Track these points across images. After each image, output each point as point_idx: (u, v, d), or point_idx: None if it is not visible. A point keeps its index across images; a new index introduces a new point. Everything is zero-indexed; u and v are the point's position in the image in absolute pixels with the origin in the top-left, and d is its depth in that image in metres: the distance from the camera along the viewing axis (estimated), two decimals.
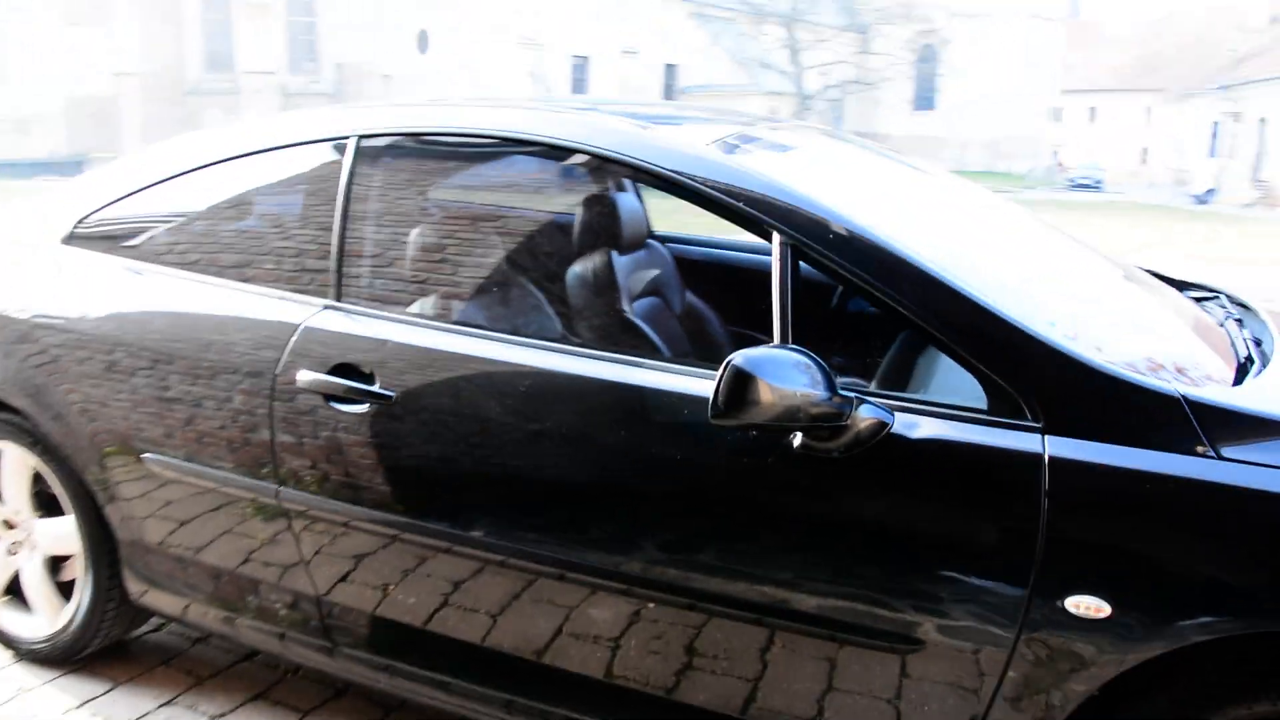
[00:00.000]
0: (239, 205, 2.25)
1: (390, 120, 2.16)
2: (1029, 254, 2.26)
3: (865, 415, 1.54)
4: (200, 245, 2.23)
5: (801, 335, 1.65)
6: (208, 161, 2.26)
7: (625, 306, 2.86)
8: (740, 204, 1.74)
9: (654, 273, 3.03)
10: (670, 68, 42.64)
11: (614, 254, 2.90)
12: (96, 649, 2.43)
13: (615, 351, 1.85)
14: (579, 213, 2.97)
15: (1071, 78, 55.13)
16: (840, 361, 2.66)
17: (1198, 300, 2.42)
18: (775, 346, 1.54)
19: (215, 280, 2.15)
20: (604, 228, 2.91)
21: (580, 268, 2.88)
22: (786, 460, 1.59)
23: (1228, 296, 2.48)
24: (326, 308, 2.01)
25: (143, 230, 2.31)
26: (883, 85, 40.42)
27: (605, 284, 2.84)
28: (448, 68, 33.48)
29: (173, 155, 2.35)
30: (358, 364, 1.91)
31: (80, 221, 2.37)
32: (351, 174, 2.08)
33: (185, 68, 32.62)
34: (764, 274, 3.30)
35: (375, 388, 1.88)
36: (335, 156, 2.12)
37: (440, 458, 1.85)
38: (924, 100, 51.10)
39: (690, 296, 3.16)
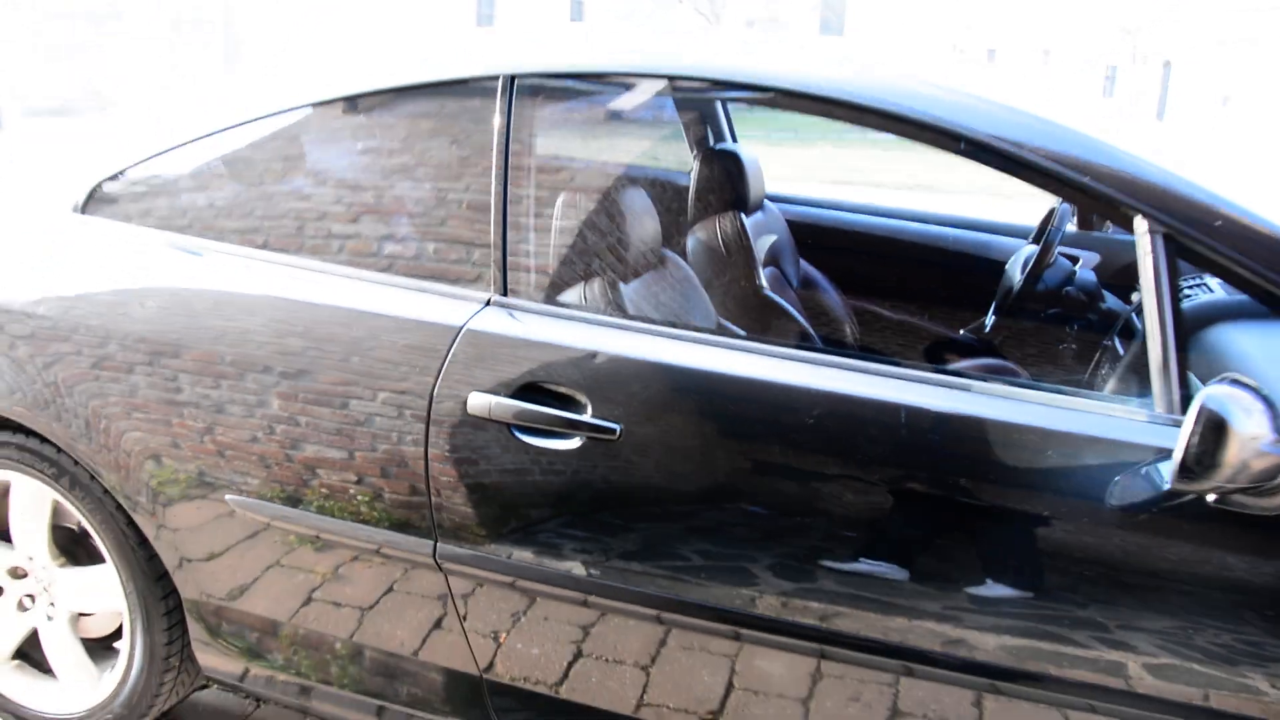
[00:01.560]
0: (335, 167, 1.70)
1: (559, 57, 1.64)
2: None
3: None
4: (281, 218, 1.68)
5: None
6: (287, 107, 1.71)
7: (762, 281, 2.42)
8: (1090, 180, 1.32)
9: (772, 239, 2.58)
10: None
11: (742, 216, 2.44)
12: None
13: (755, 339, 1.50)
14: (698, 168, 2.49)
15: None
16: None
17: None
18: (1231, 381, 1.13)
19: (315, 265, 1.63)
20: (731, 183, 2.45)
21: (704, 233, 2.41)
22: (1195, 517, 1.20)
23: None
24: (492, 304, 1.52)
25: (195, 196, 1.75)
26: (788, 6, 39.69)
27: (738, 254, 2.39)
28: None
29: (238, 98, 1.78)
30: (555, 383, 1.43)
31: (102, 183, 1.80)
32: (508, 126, 1.56)
33: None
34: (878, 237, 2.90)
35: (588, 416, 1.40)
36: (479, 103, 1.60)
37: (694, 512, 1.39)
38: (832, 25, 50.60)
39: (805, 266, 2.72)
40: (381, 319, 1.53)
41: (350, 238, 1.63)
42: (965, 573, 1.30)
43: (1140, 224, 1.29)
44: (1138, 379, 1.77)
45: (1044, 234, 2.45)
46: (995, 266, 2.76)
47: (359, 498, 1.54)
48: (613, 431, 1.38)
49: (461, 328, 1.49)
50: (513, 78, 1.58)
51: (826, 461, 1.33)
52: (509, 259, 1.53)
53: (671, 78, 1.63)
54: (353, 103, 1.69)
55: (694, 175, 2.44)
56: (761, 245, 2.53)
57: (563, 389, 1.42)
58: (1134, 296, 2.42)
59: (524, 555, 1.47)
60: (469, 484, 1.48)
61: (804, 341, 2.27)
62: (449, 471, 1.48)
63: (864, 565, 1.33)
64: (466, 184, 1.58)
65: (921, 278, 2.80)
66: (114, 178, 1.80)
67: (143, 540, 1.75)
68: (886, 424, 1.32)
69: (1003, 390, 1.33)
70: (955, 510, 1.30)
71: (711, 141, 2.68)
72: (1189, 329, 1.75)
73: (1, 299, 1.75)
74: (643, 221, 1.84)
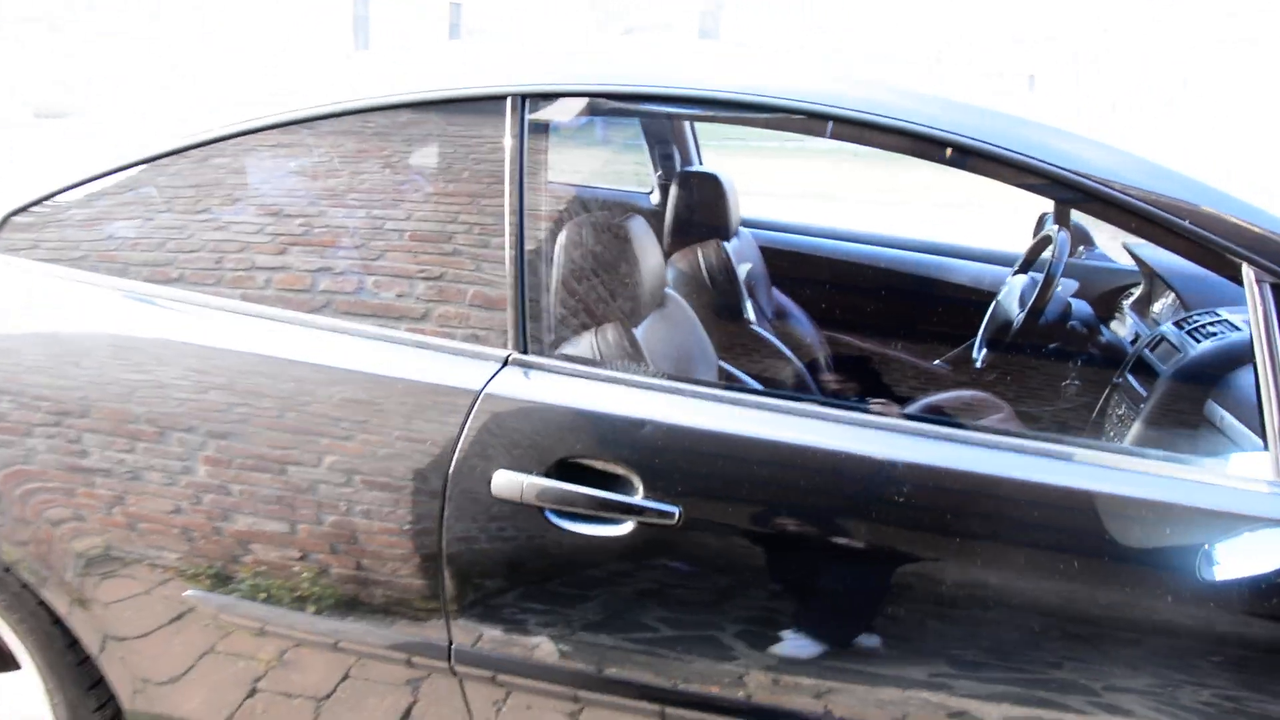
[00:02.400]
0: (307, 196, 1.46)
1: (573, 72, 1.44)
2: None
3: None
4: (242, 257, 1.43)
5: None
6: (243, 128, 1.46)
7: (750, 315, 2.26)
8: (1191, 224, 1.20)
9: (748, 266, 2.43)
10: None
11: (724, 244, 2.28)
12: None
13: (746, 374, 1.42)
14: (676, 192, 2.32)
15: None
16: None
17: None
18: None
19: (285, 315, 1.38)
20: (713, 208, 2.29)
21: (685, 264, 2.24)
22: None
23: None
24: (511, 362, 1.31)
25: (133, 233, 1.47)
26: None
27: (724, 285, 2.23)
28: None
29: (181, 115, 1.52)
30: (597, 458, 1.23)
31: (13, 215, 1.50)
32: (521, 152, 1.36)
33: None
34: (849, 264, 2.78)
35: (640, 498, 1.21)
36: (482, 125, 1.39)
37: (773, 610, 1.22)
38: (710, 30, 51.35)
39: (777, 294, 2.58)
40: (379, 382, 1.30)
41: (324, 281, 1.39)
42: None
43: (1248, 273, 1.18)
44: (1173, 426, 1.68)
45: (1032, 263, 2.37)
46: (970, 294, 2.69)
47: (354, 592, 1.31)
48: (671, 515, 1.20)
49: (480, 393, 1.27)
50: (524, 97, 1.37)
51: (938, 542, 1.18)
52: (527, 306, 1.32)
53: (739, 104, 1.36)
54: (303, 126, 1.44)
55: (672, 200, 2.27)
56: (739, 274, 2.38)
57: (607, 465, 1.23)
58: (1123, 327, 2.36)
59: (558, 658, 1.26)
60: (493, 576, 1.26)
61: (795, 379, 2.13)
62: (469, 562, 1.26)
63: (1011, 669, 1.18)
64: (474, 217, 1.37)
65: (895, 306, 2.70)
66: (23, 209, 1.50)
67: (71, 642, 1.47)
68: (1002, 501, 1.17)
69: (1104, 458, 1.21)
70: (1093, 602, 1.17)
71: (680, 162, 2.52)
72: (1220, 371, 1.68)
73: None
74: (649, 255, 1.66)
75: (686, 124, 2.55)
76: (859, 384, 2.47)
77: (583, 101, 1.39)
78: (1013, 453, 1.20)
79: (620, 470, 1.22)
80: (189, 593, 1.37)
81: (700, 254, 2.20)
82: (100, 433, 1.36)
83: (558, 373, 1.29)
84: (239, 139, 1.42)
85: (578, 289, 1.44)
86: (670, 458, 1.22)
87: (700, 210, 2.25)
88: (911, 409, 2.15)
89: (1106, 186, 1.22)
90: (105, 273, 1.43)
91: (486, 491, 1.24)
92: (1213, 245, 1.20)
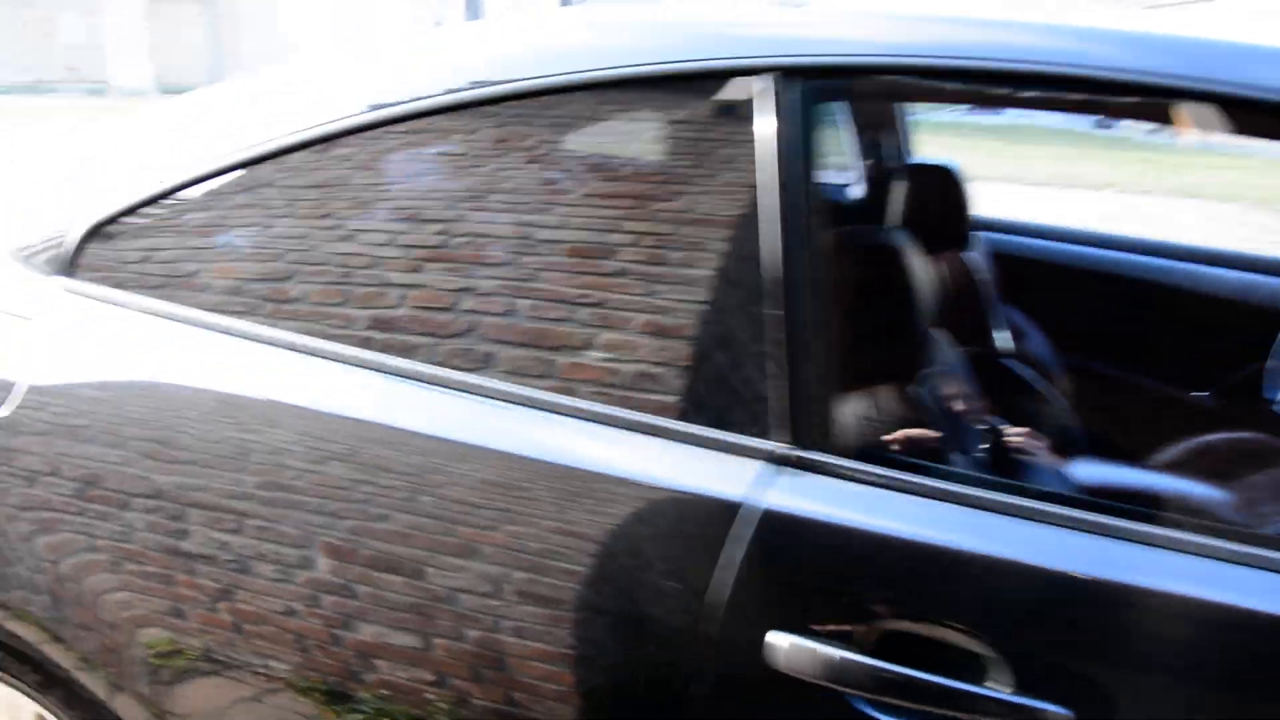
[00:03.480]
0: (456, 210, 1.06)
1: (857, 35, 1.00)
2: None
3: None
4: (368, 292, 1.05)
5: None
6: (392, 113, 1.07)
7: (999, 346, 1.80)
8: None
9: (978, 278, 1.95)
10: None
11: (964, 255, 1.82)
12: None
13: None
14: (902, 186, 1.86)
15: None
16: None
17: None
18: None
19: (445, 376, 1.00)
20: (951, 212, 1.83)
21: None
22: None
23: None
24: (783, 462, 0.89)
25: (237, 256, 1.11)
26: None
27: (968, 308, 1.77)
28: None
29: (306, 96, 1.15)
30: (927, 620, 0.81)
31: (96, 232, 1.15)
32: (784, 149, 0.93)
33: None
34: (1096, 273, 2.27)
35: (1008, 692, 0.78)
36: (721, 111, 0.97)
37: None
38: None
39: (1008, 311, 2.10)
40: (581, 477, 0.91)
41: (479, 320, 1.00)
42: None
43: None
44: None
45: None
46: (1240, 310, 2.17)
47: None
48: None
49: (739, 507, 0.86)
50: (786, 70, 0.95)
51: None
52: (801, 378, 0.90)
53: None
54: (467, 111, 1.05)
55: (899, 198, 1.81)
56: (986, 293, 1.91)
57: (949, 634, 0.80)
58: None
59: None
60: None
61: (1069, 436, 1.67)
62: None
63: None
64: (718, 238, 0.96)
65: (1142, 323, 2.19)
66: (109, 222, 1.16)
67: None
68: None
69: None
70: None
71: (899, 151, 2.06)
72: None
73: None
74: (925, 284, 1.23)
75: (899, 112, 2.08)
76: (1111, 424, 1.99)
77: (898, 80, 0.96)
78: None
79: (975, 646, 0.79)
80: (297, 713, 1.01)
81: (937, 268, 1.74)
82: (203, 507, 1.02)
83: (851, 478, 0.87)
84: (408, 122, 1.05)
85: (864, 340, 1.02)
86: (1055, 628, 0.79)
87: (936, 212, 1.79)
88: (1173, 454, 1.66)
89: None
90: (202, 305, 1.09)
91: (758, 662, 0.83)
92: None
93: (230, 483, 1.01)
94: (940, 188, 1.83)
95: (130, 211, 1.13)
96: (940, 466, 0.91)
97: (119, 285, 1.12)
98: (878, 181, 1.98)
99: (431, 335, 1.01)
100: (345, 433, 0.99)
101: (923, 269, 1.26)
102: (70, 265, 1.14)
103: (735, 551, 0.85)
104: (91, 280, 1.13)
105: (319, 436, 1.00)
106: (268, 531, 1.00)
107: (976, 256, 1.90)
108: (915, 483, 0.85)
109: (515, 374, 0.97)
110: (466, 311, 1.00)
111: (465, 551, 0.94)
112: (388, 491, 0.97)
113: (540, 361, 0.97)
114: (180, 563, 1.04)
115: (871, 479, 0.86)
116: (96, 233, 1.14)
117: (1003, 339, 1.78)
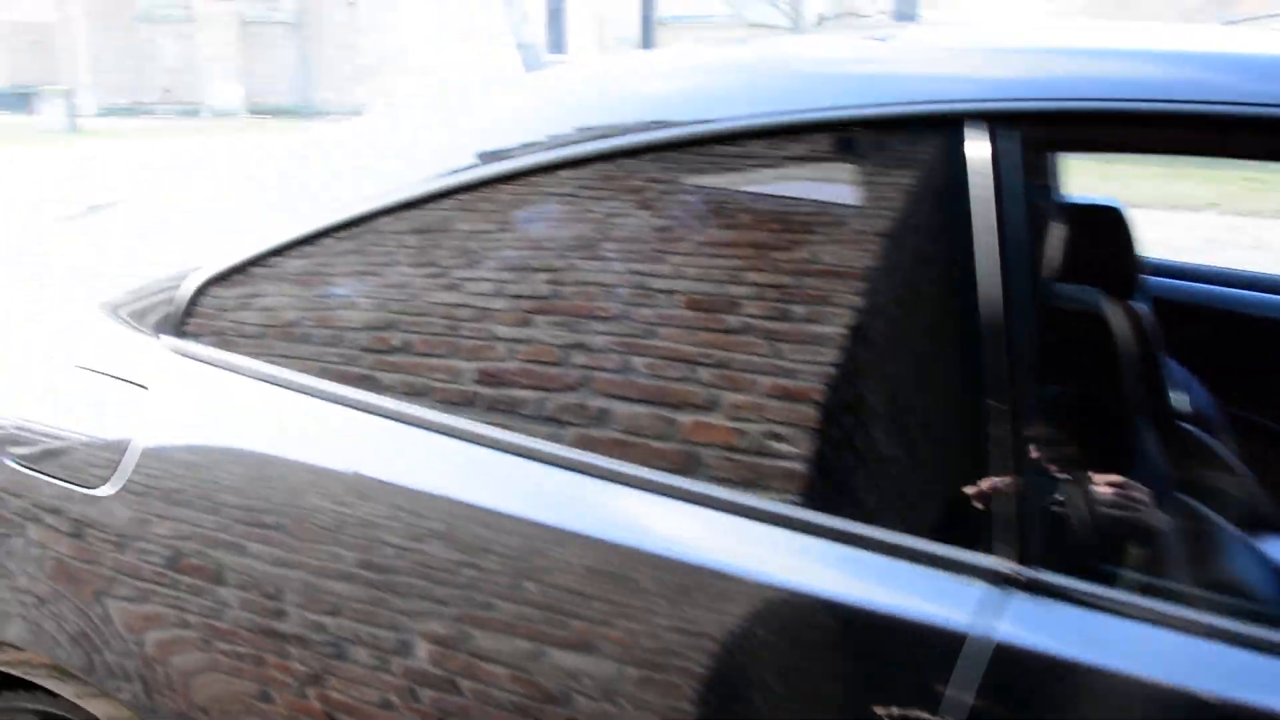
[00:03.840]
0: (584, 266, 0.94)
1: (1079, 68, 0.85)
2: None
3: None
4: (468, 363, 0.94)
5: None
6: (575, 153, 0.96)
7: (1175, 408, 1.62)
8: None
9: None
10: None
11: (1135, 305, 1.64)
12: None
13: None
14: (1060, 229, 1.69)
15: None
16: None
17: None
18: None
19: (590, 461, 0.88)
20: (1119, 257, 1.66)
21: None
22: None
23: None
24: (1012, 587, 0.73)
25: (340, 314, 1.00)
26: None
27: (1145, 364, 1.59)
28: None
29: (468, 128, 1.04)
30: None
31: (211, 285, 1.06)
32: (1001, 210, 0.79)
33: None
34: (1246, 317, 2.07)
35: None
36: (915, 165, 0.83)
37: None
38: (906, 14, 49.32)
39: (1170, 364, 1.90)
40: (776, 596, 0.77)
41: (599, 401, 0.87)
42: None
43: None
44: None
45: None
46: None
47: None
48: None
49: (964, 640, 0.71)
50: (997, 117, 0.80)
51: None
52: (1032, 483, 0.75)
53: None
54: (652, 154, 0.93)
55: (1057, 242, 1.64)
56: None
57: None
58: None
59: None
60: None
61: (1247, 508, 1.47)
62: None
63: None
64: (922, 307, 0.82)
65: None
66: (232, 272, 1.06)
67: None
68: None
69: None
70: None
71: (1049, 188, 1.88)
72: None
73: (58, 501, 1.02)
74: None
75: None
76: None
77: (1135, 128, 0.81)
78: None
79: None
80: None
81: (1105, 318, 1.56)
82: (296, 590, 0.92)
83: (1094, 605, 0.71)
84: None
85: (1091, 428, 0.86)
86: None
87: (1099, 258, 1.61)
88: None
89: None
90: (304, 368, 0.99)
91: None
92: None
93: (330, 559, 0.91)
94: (1103, 229, 1.65)
95: (241, 269, 1.04)
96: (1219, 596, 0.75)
97: (230, 348, 1.03)
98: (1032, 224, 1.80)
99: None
100: (442, 511, 0.88)
101: (1124, 331, 1.10)
102: (179, 327, 1.04)
103: (970, 698, 0.70)
104: (203, 343, 1.03)
105: (413, 512, 0.89)
106: (362, 614, 0.90)
107: (1144, 306, 1.72)
108: (1177, 615, 0.69)
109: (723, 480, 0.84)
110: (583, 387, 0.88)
111: (590, 649, 0.80)
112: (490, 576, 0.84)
113: (738, 466, 0.84)
114: (273, 644, 0.94)
115: (1111, 606, 0.70)
116: (206, 290, 1.05)
117: (1179, 400, 1.59)
